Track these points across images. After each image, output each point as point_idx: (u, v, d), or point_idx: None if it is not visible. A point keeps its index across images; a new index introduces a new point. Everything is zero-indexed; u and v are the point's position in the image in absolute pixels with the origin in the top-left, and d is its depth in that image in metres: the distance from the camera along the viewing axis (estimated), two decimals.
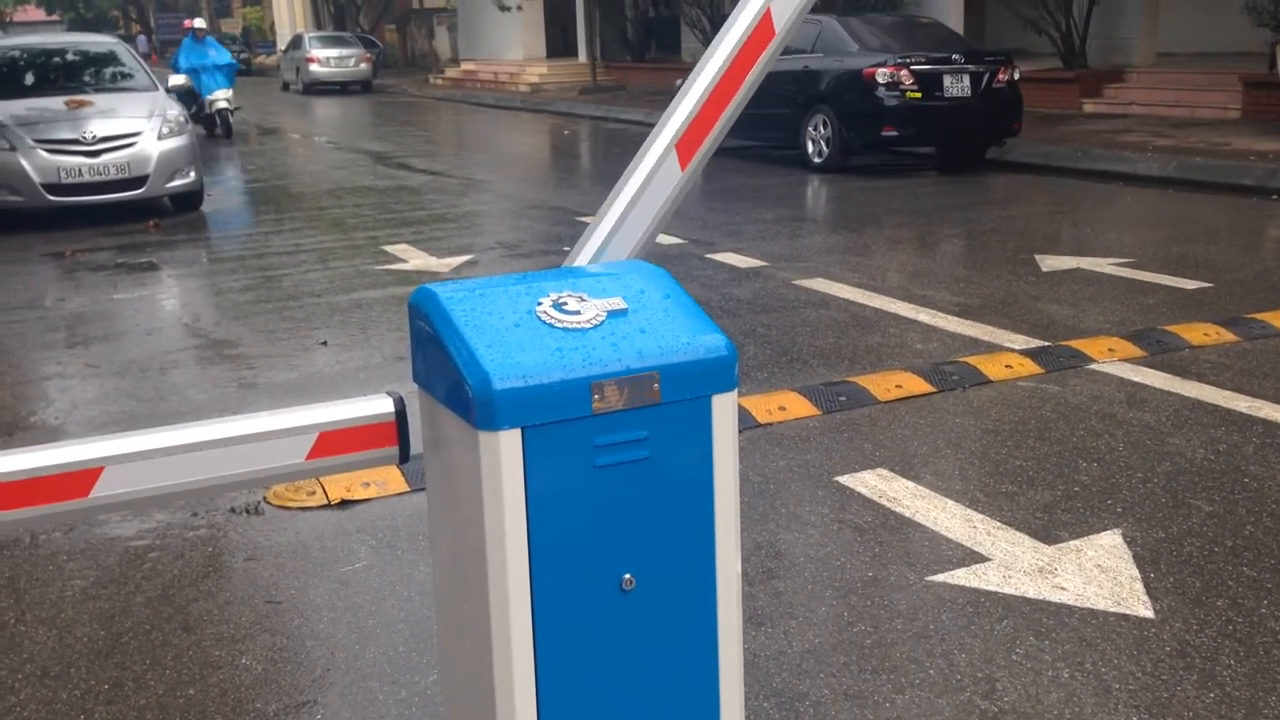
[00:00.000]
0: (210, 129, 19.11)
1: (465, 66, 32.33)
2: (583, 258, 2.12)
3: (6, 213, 10.50)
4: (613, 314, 1.91)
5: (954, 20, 17.90)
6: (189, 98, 18.25)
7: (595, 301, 1.92)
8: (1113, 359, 5.67)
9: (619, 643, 1.91)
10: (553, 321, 1.86)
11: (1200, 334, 6.01)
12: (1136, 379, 5.39)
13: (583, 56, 28.62)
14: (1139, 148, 12.42)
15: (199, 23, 19.70)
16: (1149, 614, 3.37)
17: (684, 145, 2.04)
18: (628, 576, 1.89)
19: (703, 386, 1.90)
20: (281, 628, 3.46)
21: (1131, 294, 6.98)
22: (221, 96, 18.98)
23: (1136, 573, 3.60)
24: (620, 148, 16.63)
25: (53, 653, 3.36)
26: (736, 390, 1.94)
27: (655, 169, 2.04)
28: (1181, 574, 3.60)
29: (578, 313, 1.89)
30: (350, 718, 3.00)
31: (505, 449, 1.76)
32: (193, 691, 3.14)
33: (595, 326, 1.87)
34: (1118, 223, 9.45)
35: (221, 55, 19.28)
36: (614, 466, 1.84)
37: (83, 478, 1.79)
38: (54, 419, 5.42)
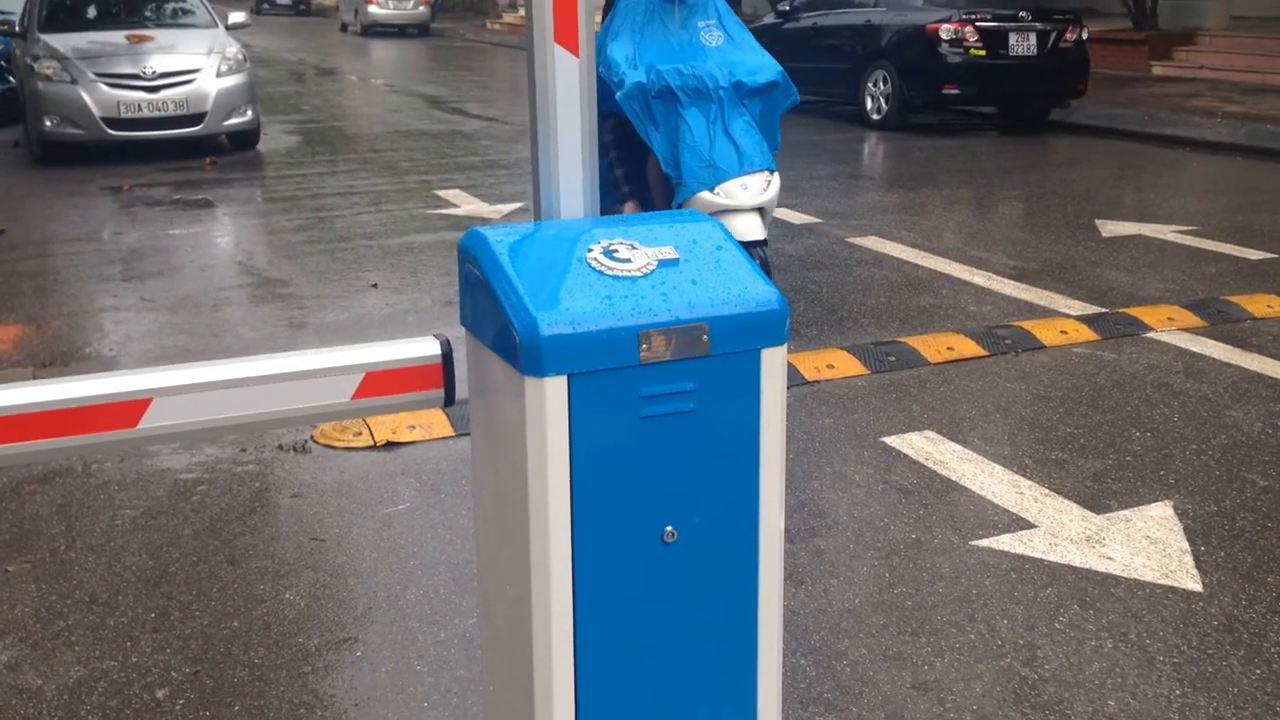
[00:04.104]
0: None
1: (522, 12, 32.13)
2: (545, 186, 2.03)
3: (67, 145, 10.61)
4: (664, 263, 1.88)
5: None
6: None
7: (646, 250, 1.89)
8: (1171, 328, 5.56)
9: (658, 594, 1.89)
10: (603, 269, 1.84)
11: (1263, 305, 5.88)
12: (1195, 349, 5.28)
13: None
14: (1208, 113, 12.11)
15: None
16: (1197, 587, 3.31)
17: (562, 35, 1.96)
18: (669, 529, 1.87)
19: (752, 340, 1.87)
20: (324, 565, 3.50)
21: (1193, 262, 6.83)
22: (751, 199, 5.09)
23: (1186, 545, 3.55)
24: None
25: (102, 580, 3.42)
26: (786, 345, 1.91)
27: (552, 75, 1.95)
28: (1233, 548, 3.53)
29: (628, 261, 1.86)
30: (390, 656, 3.03)
31: (551, 395, 1.74)
32: (236, 623, 3.19)
33: (645, 275, 1.85)
34: (1182, 189, 9.24)
35: (755, 60, 5.24)
36: (659, 418, 1.82)
37: (131, 408, 1.80)
38: (108, 350, 5.49)
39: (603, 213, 2.35)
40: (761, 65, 5.27)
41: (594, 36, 2.00)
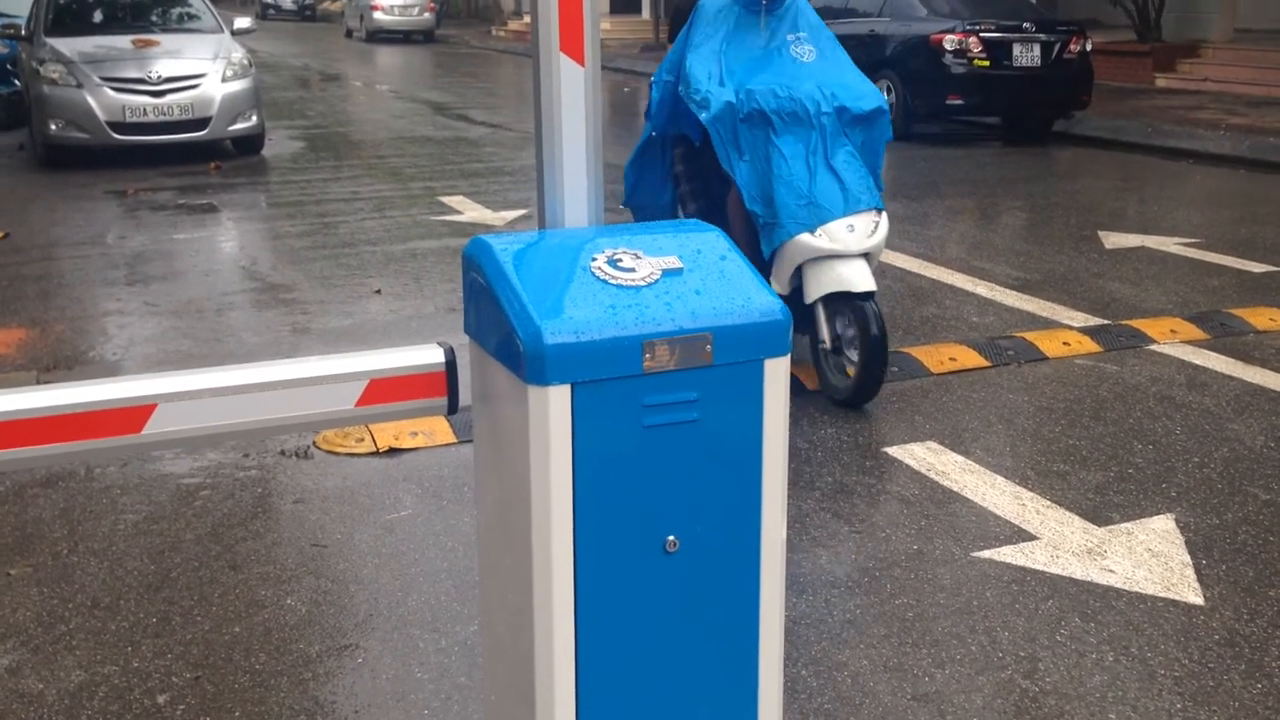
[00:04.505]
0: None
1: (528, 19, 32.13)
2: (550, 195, 2.04)
3: (72, 149, 10.63)
4: (668, 273, 1.88)
5: None
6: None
7: (650, 259, 1.90)
8: (1174, 340, 5.56)
9: (660, 603, 1.90)
10: (607, 278, 1.84)
11: (1266, 318, 5.88)
12: (1198, 362, 5.28)
13: (646, 14, 28.37)
14: (1211, 125, 12.12)
15: None
16: (1199, 601, 3.31)
17: (568, 45, 1.97)
18: (671, 538, 1.87)
19: (755, 350, 1.87)
20: (326, 571, 3.50)
21: (1196, 275, 6.83)
22: (859, 243, 4.54)
23: (1188, 558, 3.54)
24: None
25: (103, 584, 3.42)
26: (789, 355, 1.91)
27: (558, 84, 1.96)
28: (1234, 562, 3.53)
29: (632, 270, 1.87)
30: (391, 663, 3.03)
31: (554, 404, 1.75)
32: (238, 629, 3.19)
33: (650, 285, 1.85)
34: (1185, 201, 9.24)
35: (857, 84, 4.75)
36: (662, 427, 1.83)
37: (136, 414, 1.80)
38: (112, 355, 5.50)
39: None
40: (864, 90, 4.68)
41: (599, 45, 2.00)
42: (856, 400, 4.67)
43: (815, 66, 4.71)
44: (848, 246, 4.48)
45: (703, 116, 4.53)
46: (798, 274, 4.63)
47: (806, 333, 4.83)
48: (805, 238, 4.47)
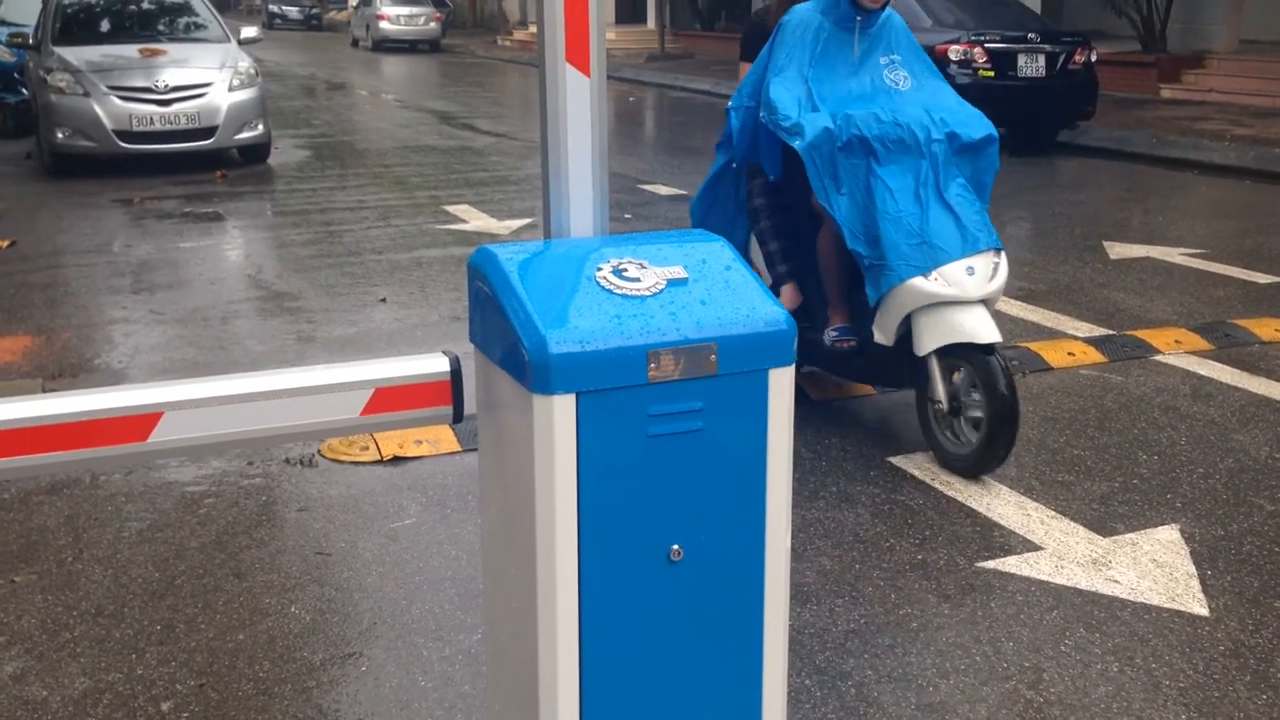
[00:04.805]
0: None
1: (533, 29, 32.17)
2: (555, 204, 2.04)
3: (79, 158, 10.66)
4: (673, 283, 1.89)
5: None
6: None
7: (656, 269, 1.90)
8: (1179, 351, 5.55)
9: (664, 613, 1.90)
10: (612, 288, 1.85)
11: (1271, 329, 5.87)
12: (1202, 372, 5.28)
13: (651, 23, 28.42)
14: (1217, 136, 12.11)
15: None
16: (1204, 612, 3.30)
17: (574, 55, 1.98)
18: (676, 547, 1.88)
19: (760, 360, 1.88)
20: (330, 579, 3.50)
21: (1201, 285, 6.82)
22: (979, 288, 4.10)
23: (1193, 569, 3.54)
24: (684, 117, 16.54)
25: (108, 592, 3.43)
26: (794, 365, 1.92)
27: (563, 94, 1.97)
28: (1240, 573, 3.52)
29: (638, 280, 1.87)
30: (395, 671, 3.03)
31: (559, 413, 1.75)
32: (242, 636, 3.19)
33: (655, 294, 1.86)
34: (1190, 212, 9.24)
35: (962, 109, 4.36)
36: (667, 436, 1.83)
37: (142, 422, 1.81)
38: (117, 363, 5.51)
39: None
40: (972, 115, 4.25)
41: (604, 55, 2.01)
42: (979, 468, 4.10)
43: (911, 95, 4.26)
44: (967, 292, 4.01)
45: (796, 144, 4.05)
46: (904, 322, 4.14)
47: (914, 387, 4.36)
48: (918, 282, 4.01)
